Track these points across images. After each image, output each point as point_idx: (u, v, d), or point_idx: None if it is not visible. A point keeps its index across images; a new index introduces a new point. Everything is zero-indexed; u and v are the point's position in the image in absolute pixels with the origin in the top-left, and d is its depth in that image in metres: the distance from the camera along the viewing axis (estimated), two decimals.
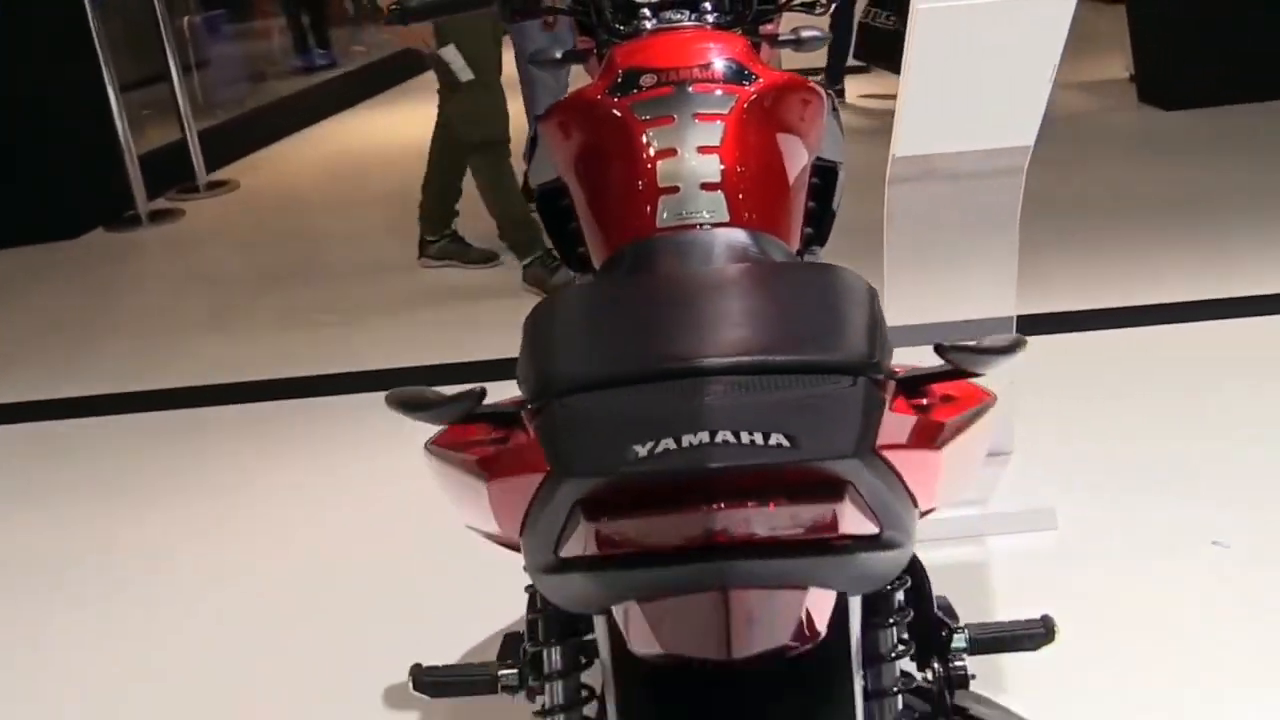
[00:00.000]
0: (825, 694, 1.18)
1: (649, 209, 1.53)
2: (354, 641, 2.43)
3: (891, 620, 1.32)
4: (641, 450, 0.98)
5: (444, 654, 1.79)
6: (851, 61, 6.46)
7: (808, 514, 1.01)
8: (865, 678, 1.27)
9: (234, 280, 5.00)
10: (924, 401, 1.18)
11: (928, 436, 1.13)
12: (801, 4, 1.93)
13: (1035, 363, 2.64)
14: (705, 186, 1.53)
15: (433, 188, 4.57)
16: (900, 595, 1.36)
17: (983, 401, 1.23)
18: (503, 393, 1.25)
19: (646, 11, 1.81)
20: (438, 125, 4.45)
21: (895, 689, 1.31)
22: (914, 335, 1.81)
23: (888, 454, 1.04)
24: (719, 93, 1.62)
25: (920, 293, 2.44)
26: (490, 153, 4.21)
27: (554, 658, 1.36)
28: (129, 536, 2.95)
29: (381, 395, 1.23)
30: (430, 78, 4.37)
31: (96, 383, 3.92)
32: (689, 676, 1.13)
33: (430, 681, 1.64)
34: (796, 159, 1.66)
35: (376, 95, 8.81)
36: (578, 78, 1.97)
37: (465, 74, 4.05)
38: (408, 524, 2.80)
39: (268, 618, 2.56)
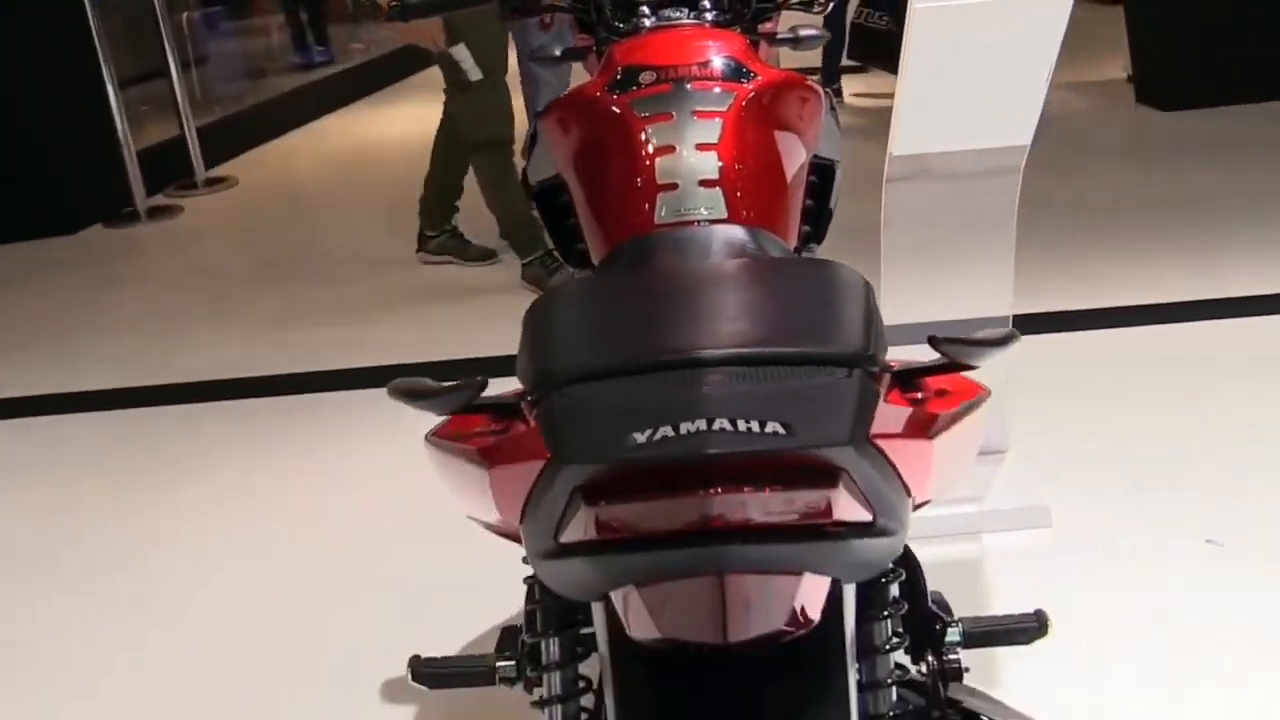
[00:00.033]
0: (820, 684, 1.20)
1: (647, 205, 1.54)
2: (352, 633, 2.44)
3: (886, 613, 1.33)
4: (640, 437, 1.00)
5: (442, 646, 1.80)
6: (846, 61, 6.48)
7: (802, 500, 1.03)
8: (860, 670, 1.29)
9: (232, 276, 5.01)
10: (918, 395, 1.19)
11: (921, 427, 1.14)
12: (800, 3, 1.94)
13: (1031, 362, 2.67)
14: (703, 183, 1.54)
15: (435, 184, 4.57)
16: (895, 588, 1.37)
17: (976, 395, 1.24)
18: (502, 389, 1.26)
19: (645, 9, 1.82)
20: (443, 122, 4.45)
21: (889, 681, 1.32)
22: (911, 334, 1.82)
23: (881, 443, 1.06)
24: (717, 90, 1.63)
25: (917, 291, 2.45)
26: (494, 152, 4.21)
27: (552, 649, 1.37)
28: (126, 532, 2.96)
29: (379, 391, 1.24)
30: (428, 75, 4.37)
31: (94, 378, 3.93)
32: (686, 665, 1.15)
33: (429, 673, 1.66)
34: (794, 157, 1.67)
35: (375, 92, 8.81)
36: (579, 76, 1.98)
37: (475, 73, 4.04)
38: (405, 517, 2.82)
39: (266, 609, 2.57)
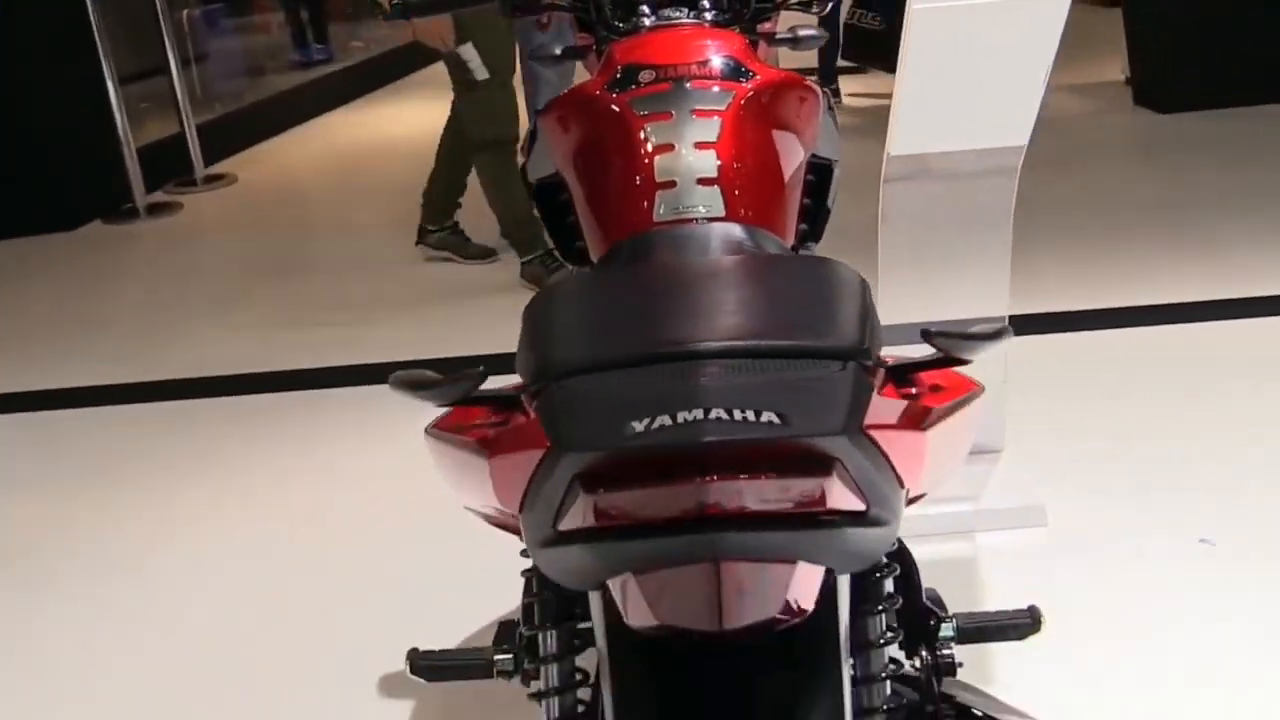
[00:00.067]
0: (815, 677, 1.21)
1: (646, 204, 1.56)
2: (351, 627, 2.45)
3: (880, 607, 1.35)
4: (639, 426, 1.01)
5: (440, 639, 1.81)
6: (842, 62, 6.50)
7: (797, 488, 1.04)
8: (854, 663, 1.30)
9: (231, 273, 5.02)
10: (913, 390, 1.20)
11: (914, 420, 1.16)
12: (799, 2, 1.96)
13: (1027, 362, 2.68)
14: (702, 181, 1.56)
15: (440, 181, 4.58)
16: (889, 583, 1.38)
17: (970, 391, 1.26)
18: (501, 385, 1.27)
19: (645, 8, 1.84)
20: (450, 120, 4.45)
21: (883, 675, 1.33)
22: (907, 333, 1.83)
23: (875, 434, 1.07)
24: (716, 89, 1.65)
25: (914, 291, 2.45)
26: (499, 151, 4.21)
27: (549, 641, 1.38)
28: (125, 528, 2.96)
29: (379, 387, 1.25)
30: (428, 74, 4.39)
31: (93, 374, 3.93)
32: (682, 657, 1.16)
33: (427, 666, 1.67)
34: (792, 155, 1.68)
35: (375, 90, 8.82)
36: (582, 76, 1.99)
37: (481, 73, 4.05)
38: (404, 513, 2.82)
39: (264, 604, 2.58)
